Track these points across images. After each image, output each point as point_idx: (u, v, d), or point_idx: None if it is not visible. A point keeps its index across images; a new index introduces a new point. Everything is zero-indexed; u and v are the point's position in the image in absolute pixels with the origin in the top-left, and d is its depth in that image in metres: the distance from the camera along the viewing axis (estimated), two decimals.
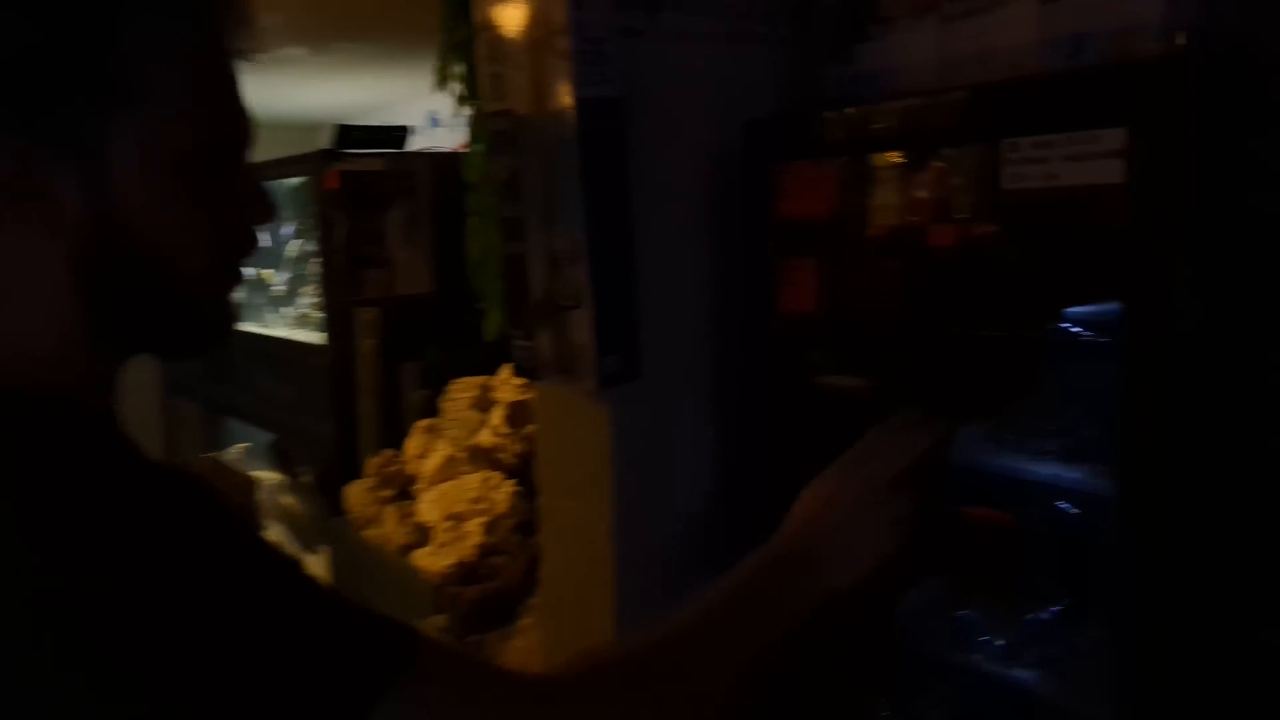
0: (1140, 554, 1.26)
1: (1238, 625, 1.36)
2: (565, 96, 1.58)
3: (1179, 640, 1.28)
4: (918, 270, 1.61)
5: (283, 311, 4.18)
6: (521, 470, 2.68)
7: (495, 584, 2.54)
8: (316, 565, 3.07)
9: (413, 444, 2.99)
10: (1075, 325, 1.56)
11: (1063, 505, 1.62)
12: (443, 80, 2.08)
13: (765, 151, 1.60)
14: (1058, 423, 1.68)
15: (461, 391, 2.98)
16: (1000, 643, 1.64)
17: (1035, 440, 1.69)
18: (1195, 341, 1.17)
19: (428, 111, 4.49)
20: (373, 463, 2.98)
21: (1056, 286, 1.58)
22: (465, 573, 2.53)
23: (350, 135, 3.33)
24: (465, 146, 2.25)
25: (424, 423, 3.02)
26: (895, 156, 1.52)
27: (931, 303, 1.62)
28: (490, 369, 2.89)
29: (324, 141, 3.37)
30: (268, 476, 3.56)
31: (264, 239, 1.43)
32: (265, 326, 4.11)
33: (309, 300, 3.89)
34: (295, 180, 3.64)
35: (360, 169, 3.27)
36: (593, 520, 1.76)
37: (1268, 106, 1.13)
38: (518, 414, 2.79)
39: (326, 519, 3.18)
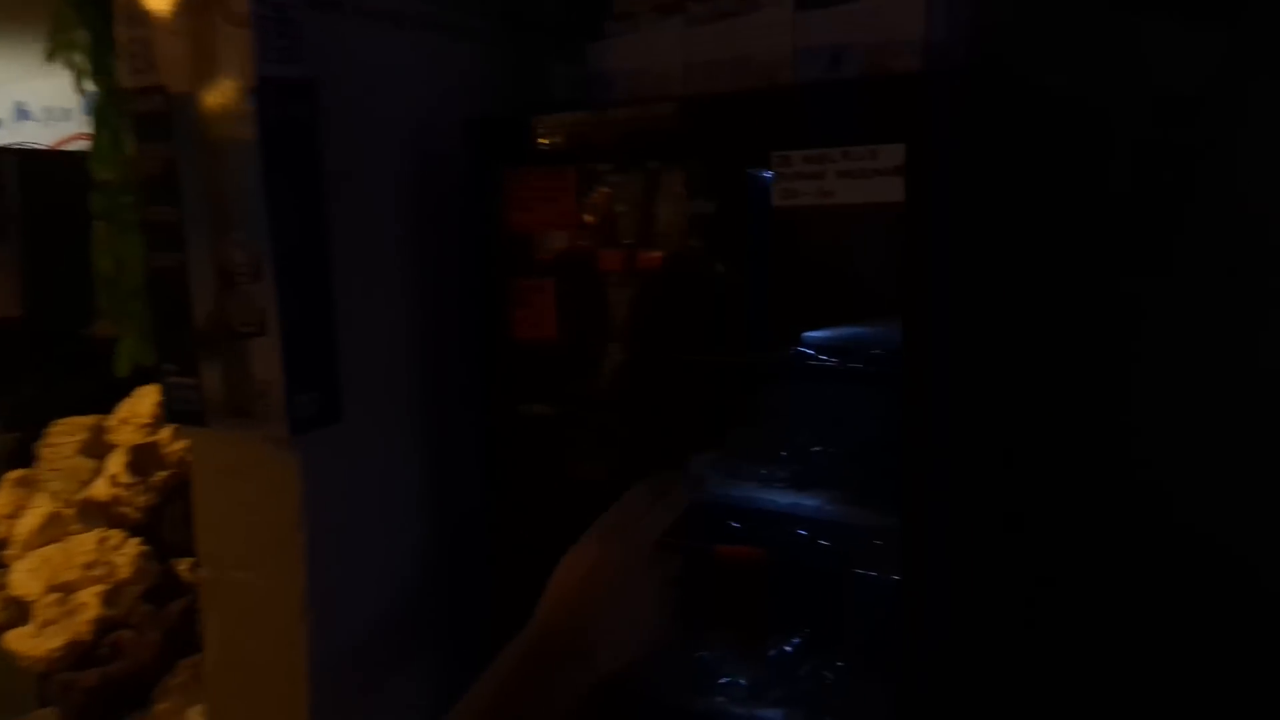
0: (915, 584, 1.21)
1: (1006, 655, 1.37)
2: (242, 74, 1.26)
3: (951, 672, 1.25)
4: (649, 293, 1.49)
5: None
6: (149, 527, 2.34)
7: (120, 665, 2.17)
8: None
9: (0, 500, 2.42)
10: (812, 349, 1.53)
11: (803, 533, 1.57)
12: (57, 50, 1.63)
13: (489, 155, 1.39)
14: (788, 449, 1.64)
15: (66, 435, 2.54)
16: (743, 682, 1.56)
17: (765, 468, 1.64)
18: (973, 363, 1.15)
19: (14, 102, 3.73)
20: None
21: (801, 309, 1.54)
22: (79, 654, 2.16)
23: None
24: (84, 136, 1.80)
25: (14, 474, 2.57)
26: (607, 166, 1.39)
27: (655, 327, 1.51)
28: (104, 406, 2.48)
29: None
30: None
31: None
32: None
33: None
34: None
35: None
36: (278, 596, 1.43)
37: (1029, 124, 1.14)
38: (143, 459, 2.40)
39: None
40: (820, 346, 1.48)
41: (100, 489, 2.37)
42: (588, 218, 1.41)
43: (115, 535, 2.30)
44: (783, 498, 1.56)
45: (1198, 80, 1.35)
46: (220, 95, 1.28)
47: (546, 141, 1.33)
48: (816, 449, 1.62)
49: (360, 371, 1.43)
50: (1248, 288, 1.37)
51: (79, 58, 1.62)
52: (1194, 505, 1.43)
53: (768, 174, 1.49)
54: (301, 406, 1.33)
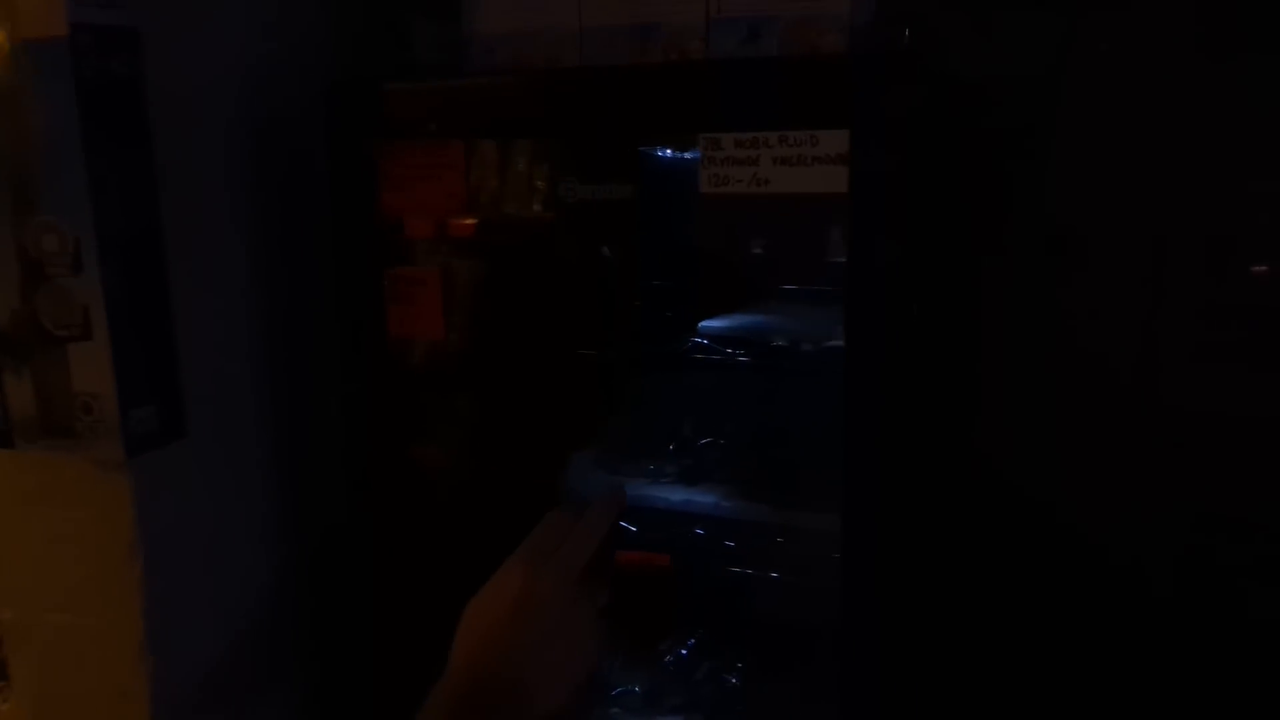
0: (859, 586, 1.16)
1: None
2: (49, 19, 1.03)
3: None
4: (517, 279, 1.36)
5: None
6: None
7: None
8: None
9: None
10: (706, 340, 1.44)
11: (699, 531, 1.50)
12: None
13: (356, 127, 1.21)
14: (675, 442, 1.56)
15: None
16: (638, 690, 1.48)
17: (652, 462, 1.55)
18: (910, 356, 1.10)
19: None
20: None
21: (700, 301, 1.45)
22: None
23: None
24: None
25: None
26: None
27: (531, 316, 1.38)
28: None
29: None
30: None
31: None
32: None
33: None
34: None
35: None
36: (110, 639, 1.22)
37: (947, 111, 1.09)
38: None
39: None
40: (717, 337, 1.40)
41: None
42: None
43: None
44: (674, 494, 1.48)
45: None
46: (20, 44, 1.05)
47: (420, 112, 1.16)
48: (705, 441, 1.55)
49: (205, 378, 1.22)
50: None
51: None
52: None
53: (666, 153, 1.41)
54: (138, 422, 1.12)
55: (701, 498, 1.46)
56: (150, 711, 1.23)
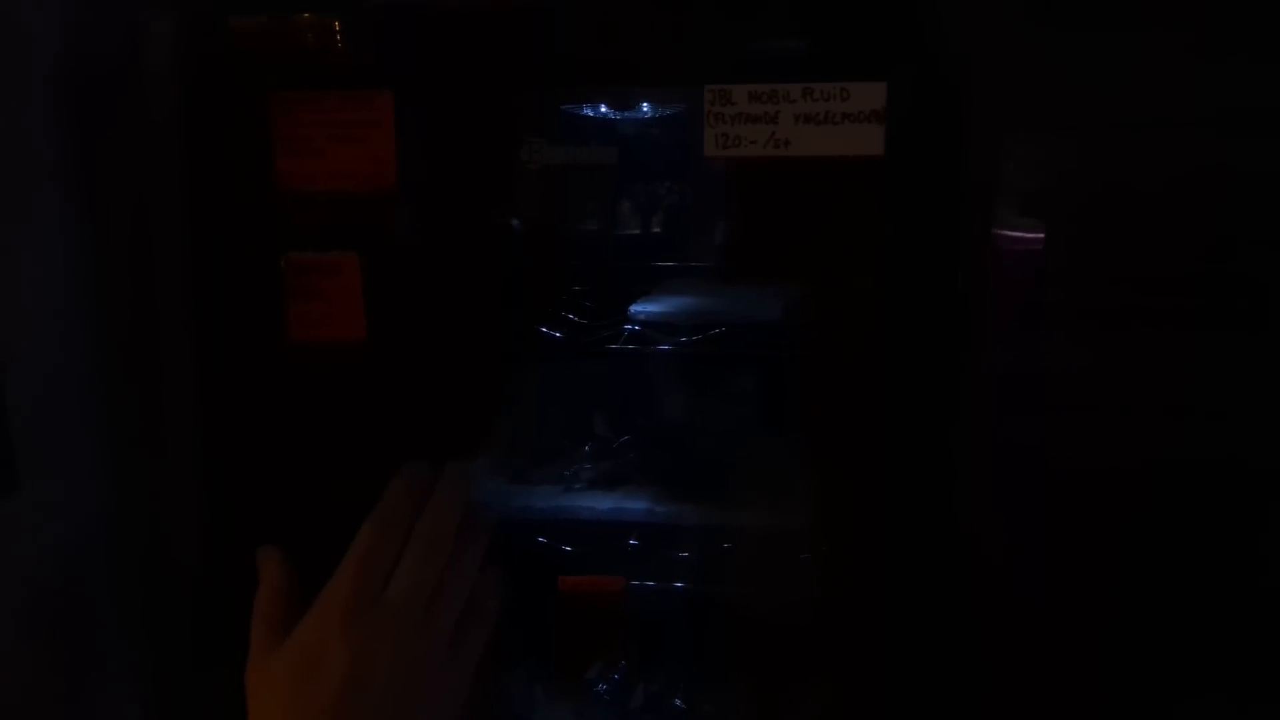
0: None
1: None
2: None
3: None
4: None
5: None
6: None
7: None
8: None
9: None
10: (639, 326, 1.27)
11: (633, 543, 1.33)
12: None
13: (241, 73, 0.93)
14: (589, 442, 1.38)
15: None
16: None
17: (565, 467, 1.37)
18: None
19: None
20: None
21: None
22: None
23: None
24: None
25: None
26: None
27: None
28: None
29: None
30: None
31: None
32: None
33: None
34: None
35: None
36: None
37: None
38: None
39: None
40: (654, 323, 1.24)
41: None
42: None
43: None
44: (600, 502, 1.31)
45: None
46: None
47: (334, 53, 0.92)
48: (625, 438, 1.39)
49: (40, 422, 0.91)
50: None
51: None
52: None
53: (587, 110, 1.22)
54: None
55: (632, 504, 1.30)
56: None
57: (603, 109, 1.15)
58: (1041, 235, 1.31)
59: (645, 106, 1.15)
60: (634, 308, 1.23)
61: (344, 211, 0.95)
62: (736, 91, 0.88)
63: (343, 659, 0.56)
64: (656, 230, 1.28)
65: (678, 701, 1.31)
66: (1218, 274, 1.29)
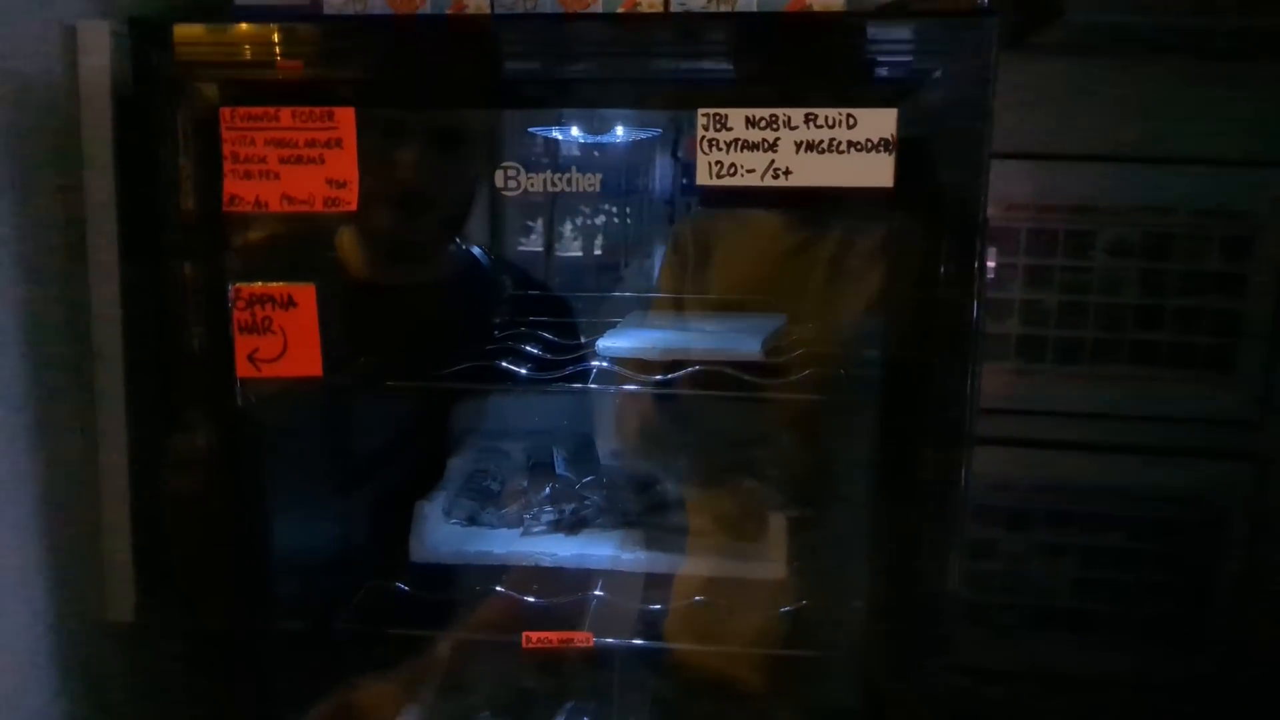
0: None
1: None
2: None
3: None
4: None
5: None
6: None
7: None
8: None
9: None
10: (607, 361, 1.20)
11: (598, 594, 1.24)
12: None
13: (180, 84, 0.84)
14: (549, 485, 1.30)
15: None
16: None
17: (524, 510, 1.28)
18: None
19: None
20: None
21: None
22: None
23: None
24: None
25: None
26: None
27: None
28: None
29: None
30: None
31: None
32: None
33: None
34: None
35: None
36: None
37: None
38: None
39: None
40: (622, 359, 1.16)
41: None
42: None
43: None
44: (563, 548, 1.23)
45: None
46: None
47: (291, 65, 0.84)
48: (587, 479, 1.31)
49: None
50: None
51: None
52: None
53: (556, 133, 1.15)
54: None
55: (597, 550, 1.22)
56: None
57: (574, 132, 1.09)
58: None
59: (620, 130, 1.08)
60: (601, 343, 1.15)
61: (299, 237, 0.87)
62: (733, 115, 0.82)
63: None
64: (625, 259, 1.22)
65: None
66: None
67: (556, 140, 1.03)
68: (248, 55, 0.80)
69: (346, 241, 1.12)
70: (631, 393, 1.20)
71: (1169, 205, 1.34)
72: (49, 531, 0.95)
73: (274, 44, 0.80)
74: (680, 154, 1.15)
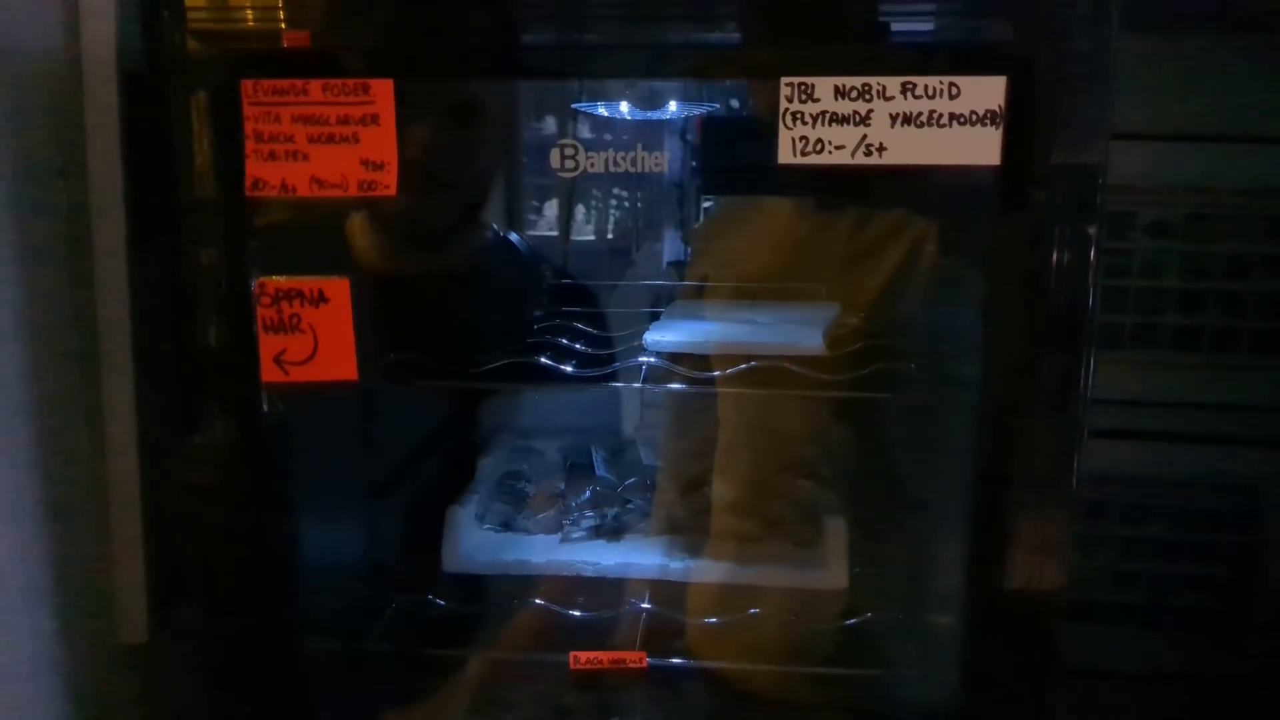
0: None
1: None
2: None
3: None
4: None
5: None
6: None
7: None
8: None
9: None
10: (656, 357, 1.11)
11: (646, 606, 1.16)
12: None
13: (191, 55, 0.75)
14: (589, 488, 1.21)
15: None
16: None
17: (564, 516, 1.20)
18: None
19: None
20: None
21: None
22: None
23: None
24: None
25: None
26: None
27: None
28: None
29: None
30: None
31: None
32: None
33: None
34: None
35: None
36: None
37: None
38: None
39: None
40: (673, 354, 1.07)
41: None
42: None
43: None
44: (606, 556, 1.14)
45: None
46: None
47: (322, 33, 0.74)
48: (630, 481, 1.23)
49: None
50: None
51: None
52: None
53: (591, 107, 1.05)
54: None
55: (643, 559, 1.14)
56: None
57: (621, 108, 0.99)
58: None
59: (673, 105, 0.99)
60: (649, 336, 1.06)
61: (330, 225, 0.78)
62: (820, 84, 0.72)
63: None
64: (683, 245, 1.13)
65: None
66: None
67: (605, 117, 0.93)
68: (277, 20, 0.71)
69: (358, 228, 1.03)
70: (681, 388, 1.11)
71: (1209, 185, 1.27)
72: (54, 545, 0.87)
73: (304, 6, 0.71)
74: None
